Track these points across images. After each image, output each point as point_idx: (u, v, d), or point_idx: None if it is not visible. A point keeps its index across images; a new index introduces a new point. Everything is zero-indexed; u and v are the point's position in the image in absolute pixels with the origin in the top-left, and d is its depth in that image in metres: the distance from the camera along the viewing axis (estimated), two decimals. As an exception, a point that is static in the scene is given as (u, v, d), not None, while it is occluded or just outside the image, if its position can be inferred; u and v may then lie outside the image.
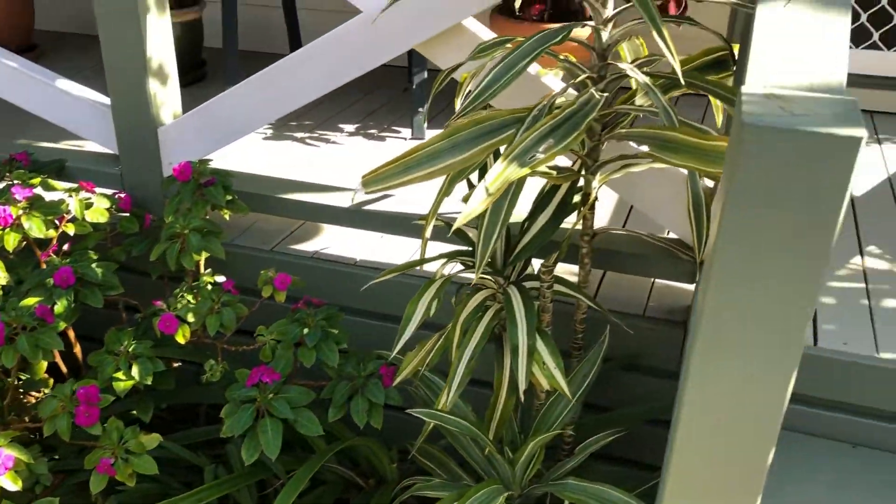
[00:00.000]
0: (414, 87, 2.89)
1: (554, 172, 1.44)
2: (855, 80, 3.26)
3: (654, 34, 1.11)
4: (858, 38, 3.22)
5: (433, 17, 1.72)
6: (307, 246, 2.23)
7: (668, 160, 1.23)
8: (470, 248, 1.61)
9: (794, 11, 1.05)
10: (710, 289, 0.97)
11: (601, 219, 2.38)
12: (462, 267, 1.63)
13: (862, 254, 2.18)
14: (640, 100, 1.50)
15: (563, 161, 2.05)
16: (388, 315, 2.07)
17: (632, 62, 1.59)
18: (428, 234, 1.48)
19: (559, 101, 1.35)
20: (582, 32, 2.51)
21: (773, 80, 1.00)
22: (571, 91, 1.52)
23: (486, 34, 1.81)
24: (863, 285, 2.02)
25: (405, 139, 2.94)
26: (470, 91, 1.31)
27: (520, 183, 1.27)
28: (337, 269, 2.10)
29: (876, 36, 3.21)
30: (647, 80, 1.32)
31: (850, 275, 2.08)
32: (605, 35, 1.41)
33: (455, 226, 1.16)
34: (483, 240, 1.25)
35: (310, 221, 2.26)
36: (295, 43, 3.52)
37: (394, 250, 2.21)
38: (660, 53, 1.63)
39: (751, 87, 0.98)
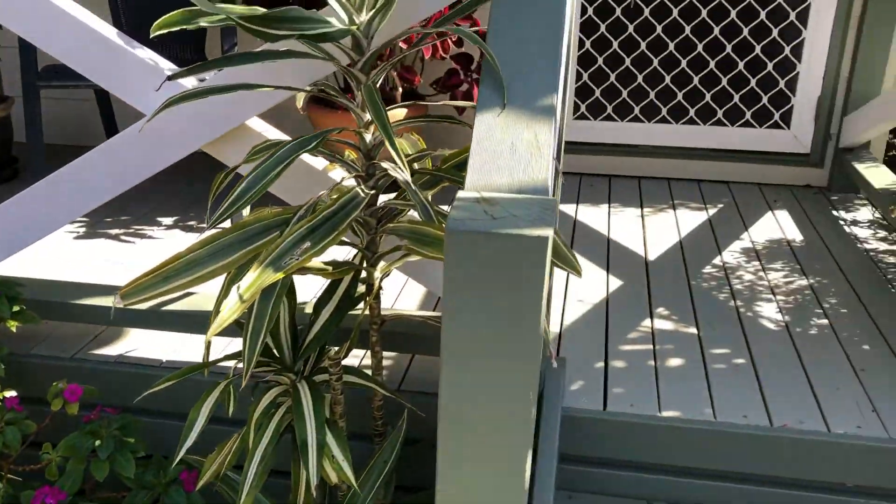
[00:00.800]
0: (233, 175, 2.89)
1: (330, 268, 1.49)
2: (653, 151, 3.55)
3: (388, 145, 1.18)
4: (653, 113, 3.52)
5: (214, 120, 1.75)
6: (112, 349, 2.16)
7: (423, 253, 1.30)
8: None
9: (508, 119, 1.15)
10: (442, 368, 1.03)
11: (414, 300, 2.45)
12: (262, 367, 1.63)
13: (652, 316, 2.35)
14: (411, 193, 1.58)
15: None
16: (195, 415, 2.03)
17: (409, 157, 1.68)
18: (210, 336, 1.47)
19: (332, 198, 1.41)
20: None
21: (487, 182, 1.09)
22: (352, 185, 1.58)
23: (273, 134, 1.86)
24: (651, 347, 2.17)
25: (225, 229, 2.93)
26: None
27: (284, 284, 1.31)
28: (141, 372, 2.05)
29: (665, 111, 3.51)
30: (406, 177, 1.39)
31: (639, 337, 2.23)
32: (367, 137, 1.48)
33: (209, 335, 1.17)
34: (249, 345, 1.27)
35: (111, 326, 2.20)
36: (112, 134, 3.46)
37: (202, 347, 2.18)
38: (435, 147, 1.73)
39: (465, 192, 1.06)
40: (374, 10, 1.40)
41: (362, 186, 1.45)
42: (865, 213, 3.17)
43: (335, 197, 1.37)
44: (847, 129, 3.29)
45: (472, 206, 1.01)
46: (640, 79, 3.48)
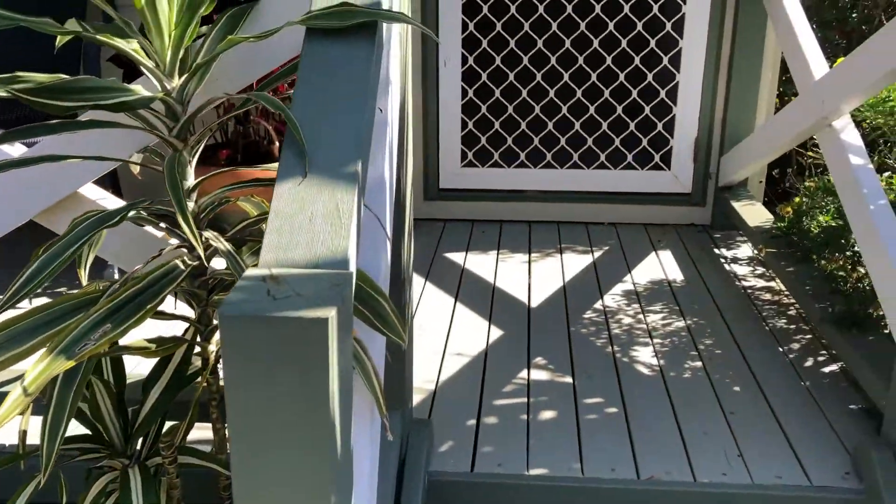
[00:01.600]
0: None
1: (153, 346, 1.40)
2: (541, 196, 3.56)
3: (179, 218, 1.12)
4: (539, 159, 3.54)
5: (41, 191, 1.66)
6: (-50, 436, 2.01)
7: (240, 330, 1.22)
8: (90, 433, 1.51)
9: (309, 188, 1.10)
10: (231, 459, 0.96)
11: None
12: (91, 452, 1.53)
13: (529, 367, 2.31)
14: (249, 261, 1.51)
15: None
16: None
17: (248, 221, 1.62)
18: (25, 425, 1.37)
19: (144, 272, 1.33)
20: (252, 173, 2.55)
21: (283, 258, 1.03)
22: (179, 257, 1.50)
23: (112, 203, 1.78)
24: (525, 400, 2.13)
25: (95, 296, 2.79)
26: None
27: (88, 368, 1.22)
28: (-19, 459, 1.90)
29: (549, 156, 3.54)
30: (228, 247, 1.33)
31: (515, 390, 2.19)
32: (190, 205, 1.41)
33: (-13, 434, 1.07)
34: (48, 438, 1.17)
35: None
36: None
37: (54, 427, 2.04)
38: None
39: (253, 269, 1.00)
40: (187, 76, 1.34)
41: (185, 257, 1.38)
42: (746, 249, 3.24)
43: (149, 270, 1.30)
44: (724, 168, 3.37)
45: (256, 285, 0.95)
46: (523, 125, 3.50)
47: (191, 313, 1.54)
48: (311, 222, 1.10)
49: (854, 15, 4.01)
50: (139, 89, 1.27)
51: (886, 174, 2.64)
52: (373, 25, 1.25)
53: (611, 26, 3.34)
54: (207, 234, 1.38)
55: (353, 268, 1.07)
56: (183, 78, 1.33)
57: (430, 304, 2.74)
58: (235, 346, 0.92)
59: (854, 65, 2.24)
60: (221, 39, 1.37)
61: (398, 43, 1.49)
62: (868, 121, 2.66)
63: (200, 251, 1.14)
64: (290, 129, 1.14)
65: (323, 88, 1.20)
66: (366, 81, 1.20)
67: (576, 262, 3.11)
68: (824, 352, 2.37)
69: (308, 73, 1.21)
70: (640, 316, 2.63)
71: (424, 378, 2.23)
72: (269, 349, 0.91)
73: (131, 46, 1.32)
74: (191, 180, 1.41)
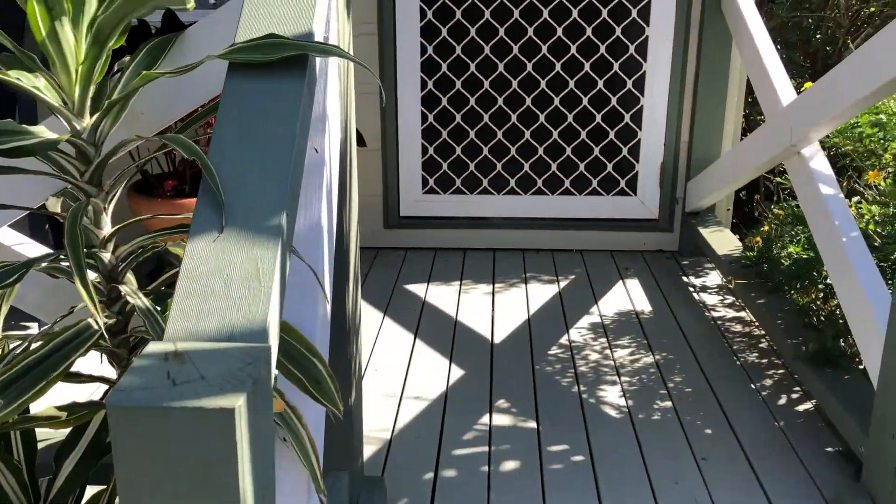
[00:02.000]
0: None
1: (64, 415, 1.26)
2: (505, 223, 3.46)
3: (77, 283, 0.99)
4: (502, 185, 3.44)
5: (-53, 237, 1.51)
6: None
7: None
8: (-4, 506, 1.36)
9: (225, 245, 0.97)
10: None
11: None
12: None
13: (491, 410, 2.19)
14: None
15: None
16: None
17: (174, 271, 1.48)
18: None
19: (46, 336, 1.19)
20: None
21: (193, 329, 0.90)
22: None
23: (35, 250, 1.63)
24: (486, 448, 2.01)
25: None
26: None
27: (-20, 451, 1.07)
28: None
29: (513, 182, 3.44)
30: (146, 304, 1.20)
31: (476, 438, 2.06)
32: (106, 256, 1.27)
33: None
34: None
35: None
36: None
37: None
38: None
39: (157, 344, 0.87)
40: (99, 114, 1.21)
41: (99, 315, 1.24)
42: (715, 277, 3.15)
43: (57, 332, 1.15)
44: (691, 193, 3.29)
45: (155, 366, 0.82)
46: (486, 150, 3.40)
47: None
48: (226, 286, 0.96)
49: (818, 36, 3.98)
50: (42, 131, 1.13)
51: (855, 199, 2.58)
52: (303, 59, 1.13)
53: (573, 49, 3.25)
54: (124, 288, 1.25)
55: (273, 339, 0.95)
56: (95, 117, 1.20)
57: (387, 341, 2.61)
58: (126, 440, 0.79)
59: (821, 93, 2.16)
60: (139, 74, 1.24)
61: (337, 75, 1.37)
62: (836, 146, 2.59)
63: (99, 321, 1.00)
64: (205, 176, 1.01)
65: (244, 128, 1.07)
66: (294, 120, 1.08)
67: (541, 293, 3.00)
68: (798, 388, 2.28)
69: (229, 113, 1.09)
70: (608, 351, 2.52)
71: (379, 426, 2.10)
72: (165, 445, 0.78)
73: (35, 83, 1.19)
74: (107, 229, 1.27)
